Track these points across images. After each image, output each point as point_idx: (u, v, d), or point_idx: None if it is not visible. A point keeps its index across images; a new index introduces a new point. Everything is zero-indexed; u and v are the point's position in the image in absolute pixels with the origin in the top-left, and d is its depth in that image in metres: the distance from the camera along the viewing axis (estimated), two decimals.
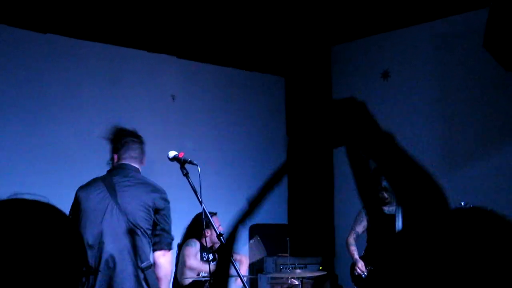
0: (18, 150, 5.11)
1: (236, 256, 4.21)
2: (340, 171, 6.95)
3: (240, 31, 6.48)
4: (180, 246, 5.43)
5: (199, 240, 5.34)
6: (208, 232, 5.19)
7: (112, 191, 3.72)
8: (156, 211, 3.78)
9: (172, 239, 3.93)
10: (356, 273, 5.53)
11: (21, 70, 5.23)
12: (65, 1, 5.30)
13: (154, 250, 3.81)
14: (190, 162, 3.67)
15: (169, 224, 3.85)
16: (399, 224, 5.06)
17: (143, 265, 3.69)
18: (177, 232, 5.32)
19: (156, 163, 5.86)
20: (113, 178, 3.79)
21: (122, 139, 3.90)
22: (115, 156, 3.91)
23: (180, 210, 5.71)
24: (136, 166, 3.90)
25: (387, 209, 5.36)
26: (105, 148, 5.22)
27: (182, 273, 5.27)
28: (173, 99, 6.30)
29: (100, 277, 3.62)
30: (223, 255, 3.58)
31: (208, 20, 6.17)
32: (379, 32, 6.73)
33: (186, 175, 3.63)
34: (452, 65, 6.12)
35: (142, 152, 3.97)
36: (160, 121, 6.18)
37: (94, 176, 3.91)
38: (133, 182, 3.81)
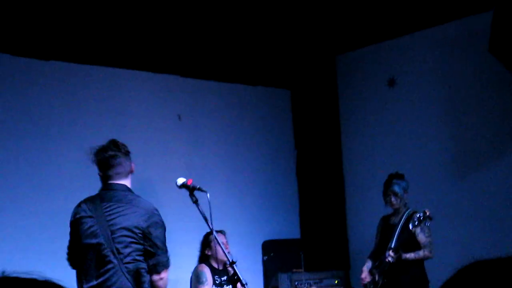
0: (20, 177, 5.13)
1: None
2: (351, 182, 6.89)
3: (242, 46, 6.46)
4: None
5: (209, 264, 5.16)
6: (209, 252, 5.09)
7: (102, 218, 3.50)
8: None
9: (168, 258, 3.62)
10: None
11: (25, 98, 5.23)
12: (65, 27, 5.30)
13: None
14: (199, 189, 3.60)
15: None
16: (395, 236, 5.05)
17: None
18: (189, 260, 5.29)
19: (164, 184, 5.83)
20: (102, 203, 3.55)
21: (103, 156, 3.64)
22: (101, 176, 3.66)
23: (189, 235, 5.65)
24: (123, 183, 3.62)
25: (393, 219, 5.34)
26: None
27: None
28: (180, 119, 6.28)
29: None
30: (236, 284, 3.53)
31: (209, 37, 6.16)
32: (383, 40, 6.69)
33: (195, 202, 3.56)
34: (458, 70, 6.06)
35: (126, 163, 3.66)
36: (168, 142, 6.16)
37: None
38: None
